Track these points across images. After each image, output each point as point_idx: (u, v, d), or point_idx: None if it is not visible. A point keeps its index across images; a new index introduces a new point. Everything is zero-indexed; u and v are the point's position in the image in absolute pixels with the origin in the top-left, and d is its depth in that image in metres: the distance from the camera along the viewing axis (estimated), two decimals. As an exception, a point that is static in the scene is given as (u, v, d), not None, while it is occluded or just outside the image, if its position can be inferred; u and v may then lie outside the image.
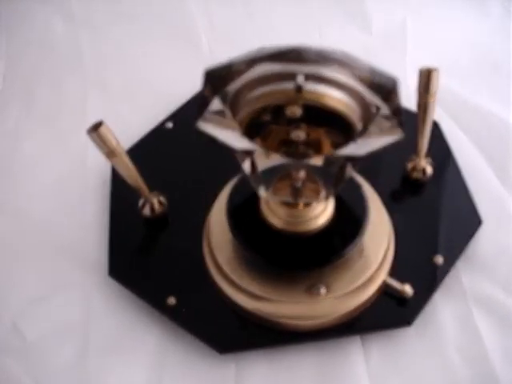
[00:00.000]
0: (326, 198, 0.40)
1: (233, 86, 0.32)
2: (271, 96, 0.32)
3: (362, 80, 0.32)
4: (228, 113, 0.33)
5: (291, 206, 0.42)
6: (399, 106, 0.33)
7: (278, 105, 0.33)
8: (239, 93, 0.33)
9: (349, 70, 0.32)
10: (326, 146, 0.37)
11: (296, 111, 0.34)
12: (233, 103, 0.33)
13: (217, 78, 0.32)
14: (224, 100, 0.33)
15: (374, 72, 0.32)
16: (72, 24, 0.71)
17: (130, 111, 0.61)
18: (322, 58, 0.32)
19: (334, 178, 0.38)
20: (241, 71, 0.32)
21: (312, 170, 0.40)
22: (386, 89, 0.32)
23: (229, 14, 0.72)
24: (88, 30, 0.70)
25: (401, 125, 0.33)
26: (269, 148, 0.36)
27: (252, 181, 0.39)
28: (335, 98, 0.33)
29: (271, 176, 0.39)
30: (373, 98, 0.32)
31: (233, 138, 0.34)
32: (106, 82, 0.65)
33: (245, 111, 0.33)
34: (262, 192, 0.40)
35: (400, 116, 0.33)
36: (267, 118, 0.34)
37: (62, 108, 0.63)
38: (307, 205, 0.42)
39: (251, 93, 0.33)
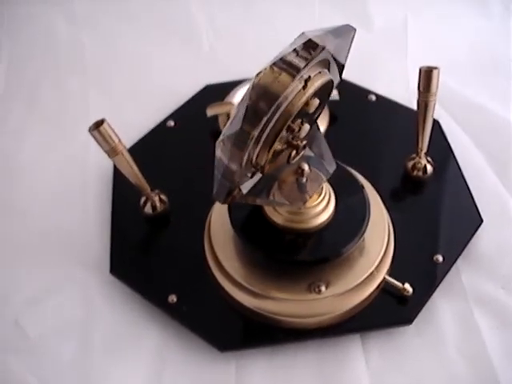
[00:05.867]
0: (328, 176, 0.42)
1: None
2: (288, 112, 0.33)
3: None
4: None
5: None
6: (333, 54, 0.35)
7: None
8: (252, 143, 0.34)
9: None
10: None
11: (316, 102, 0.34)
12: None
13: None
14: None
15: (325, 34, 0.32)
16: (74, 24, 0.71)
17: (132, 110, 0.61)
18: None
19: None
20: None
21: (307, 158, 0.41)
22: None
23: (229, 13, 0.72)
24: (90, 30, 0.71)
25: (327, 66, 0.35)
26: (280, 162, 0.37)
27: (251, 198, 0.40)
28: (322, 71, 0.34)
29: (269, 182, 0.40)
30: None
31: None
32: (108, 81, 0.65)
33: (266, 147, 0.34)
34: (265, 202, 0.41)
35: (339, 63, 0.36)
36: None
37: (64, 107, 0.63)
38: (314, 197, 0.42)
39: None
